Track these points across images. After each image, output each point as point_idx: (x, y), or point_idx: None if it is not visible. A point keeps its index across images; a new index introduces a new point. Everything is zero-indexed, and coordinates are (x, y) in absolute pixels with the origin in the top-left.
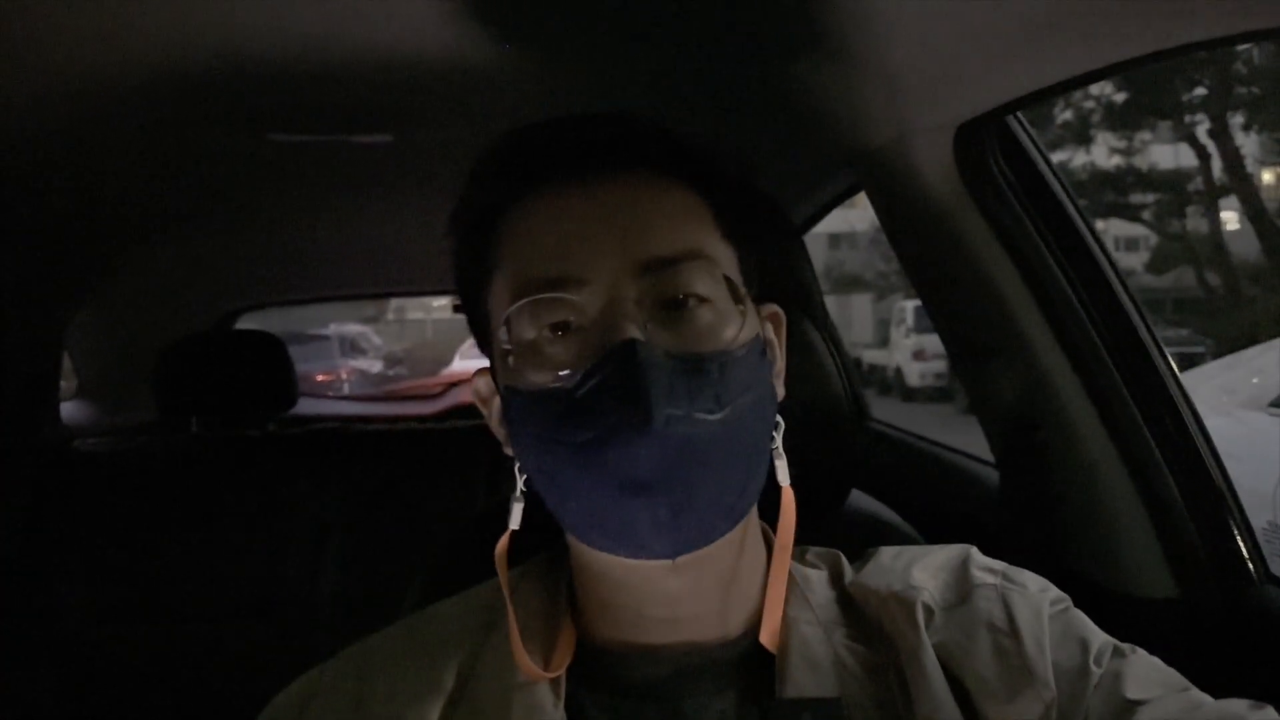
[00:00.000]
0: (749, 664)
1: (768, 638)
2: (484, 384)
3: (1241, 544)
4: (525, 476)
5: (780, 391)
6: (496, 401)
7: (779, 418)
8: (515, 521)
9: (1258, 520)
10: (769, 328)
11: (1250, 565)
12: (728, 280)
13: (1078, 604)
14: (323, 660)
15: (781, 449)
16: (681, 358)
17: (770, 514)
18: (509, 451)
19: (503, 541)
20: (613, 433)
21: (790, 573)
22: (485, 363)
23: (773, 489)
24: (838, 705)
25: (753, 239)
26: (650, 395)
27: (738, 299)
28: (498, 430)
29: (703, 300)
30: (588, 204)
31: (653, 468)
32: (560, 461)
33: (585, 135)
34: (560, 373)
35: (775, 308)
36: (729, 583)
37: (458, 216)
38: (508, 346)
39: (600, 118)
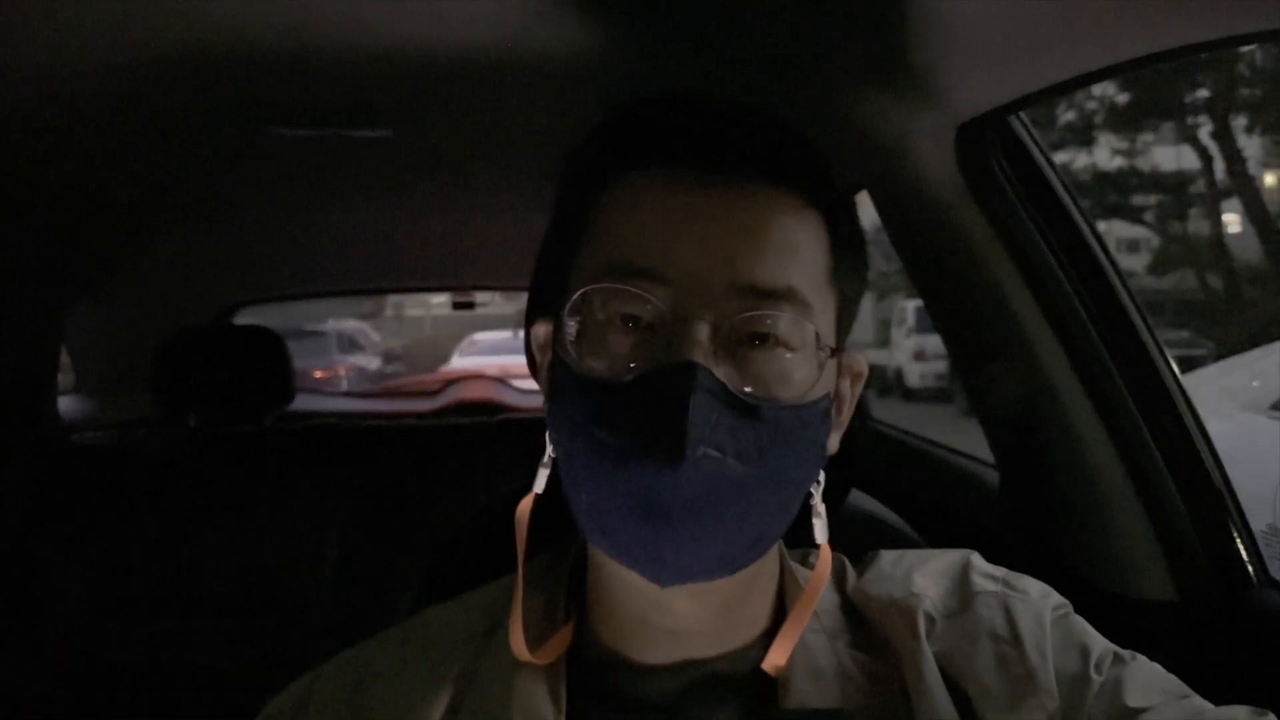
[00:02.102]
0: (752, 675)
1: (771, 668)
2: (544, 332)
3: (1241, 547)
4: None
5: (834, 447)
6: (550, 354)
7: (821, 475)
8: (540, 485)
9: (1257, 523)
10: (846, 381)
11: (1250, 568)
12: (816, 334)
13: (1076, 606)
14: (320, 657)
15: (821, 506)
16: (738, 397)
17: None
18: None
19: (525, 502)
20: (642, 449)
21: (795, 578)
22: (482, 363)
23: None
24: (841, 716)
25: (854, 293)
26: (689, 426)
27: (821, 353)
28: (542, 379)
29: (783, 344)
30: (703, 199)
31: (670, 499)
32: (586, 454)
33: (734, 127)
34: (621, 363)
35: (859, 361)
36: (736, 605)
37: (569, 167)
38: (575, 320)
39: (757, 112)
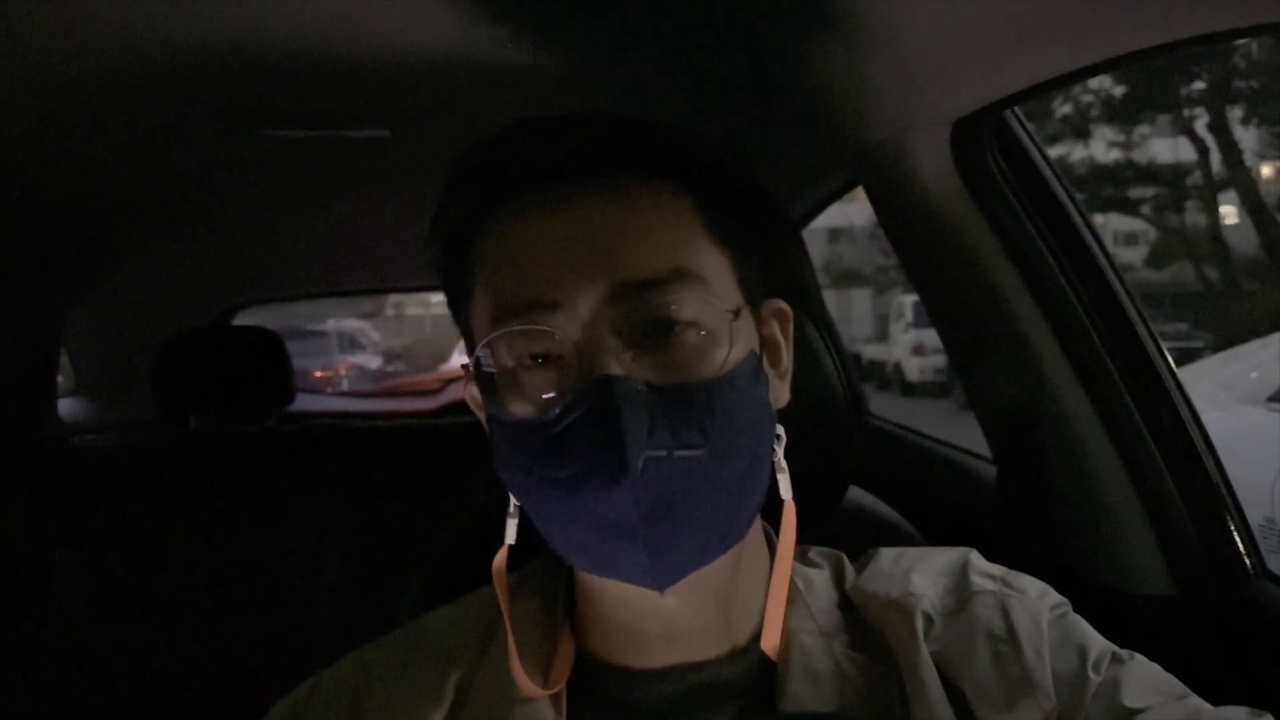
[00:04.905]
0: (750, 678)
1: (769, 646)
2: (474, 392)
3: (1238, 540)
4: None
5: (785, 397)
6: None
7: (779, 429)
8: (511, 537)
9: (1255, 516)
10: (774, 325)
11: (1247, 561)
12: (716, 301)
13: (1073, 600)
14: (320, 658)
15: (783, 461)
16: (663, 390)
17: (771, 514)
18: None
19: (500, 556)
20: (589, 475)
21: (791, 577)
22: None
23: (773, 491)
24: (837, 719)
25: (750, 240)
26: (626, 439)
27: (728, 316)
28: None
29: (689, 323)
30: (563, 220)
31: (632, 512)
32: (541, 495)
33: (561, 140)
34: (543, 398)
35: (780, 304)
36: (728, 598)
37: (436, 228)
38: (490, 370)
39: (578, 118)
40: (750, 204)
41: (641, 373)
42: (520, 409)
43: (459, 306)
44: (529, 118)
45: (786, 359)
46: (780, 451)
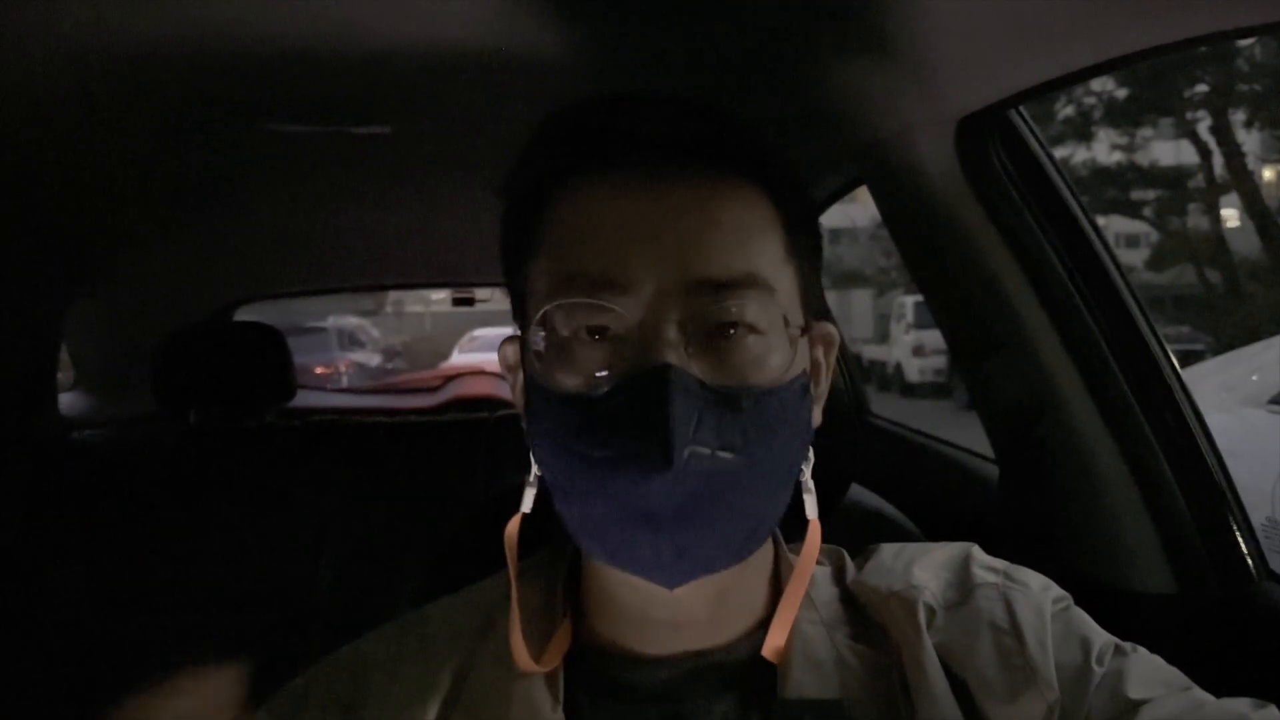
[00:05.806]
0: (751, 665)
1: (771, 652)
2: (511, 352)
3: (1241, 540)
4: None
5: (818, 419)
6: (521, 374)
7: (810, 452)
8: (527, 505)
9: (1257, 517)
10: (820, 349)
11: (1249, 562)
12: (783, 316)
13: (1077, 600)
14: (320, 654)
15: (810, 482)
16: (717, 390)
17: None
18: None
19: (513, 523)
20: (629, 459)
21: (790, 564)
22: (482, 359)
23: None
24: (840, 707)
25: (813, 260)
26: (673, 429)
27: (791, 332)
28: (518, 400)
29: (752, 330)
30: (649, 200)
31: (664, 504)
32: (572, 470)
33: (662, 119)
34: (593, 376)
35: (829, 328)
36: (734, 590)
37: (512, 181)
38: (541, 338)
39: (682, 102)
40: (814, 223)
41: (697, 370)
42: (568, 381)
43: (518, 263)
44: (631, 92)
45: (825, 383)
46: (809, 472)
